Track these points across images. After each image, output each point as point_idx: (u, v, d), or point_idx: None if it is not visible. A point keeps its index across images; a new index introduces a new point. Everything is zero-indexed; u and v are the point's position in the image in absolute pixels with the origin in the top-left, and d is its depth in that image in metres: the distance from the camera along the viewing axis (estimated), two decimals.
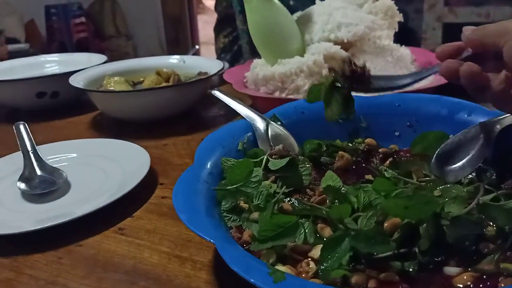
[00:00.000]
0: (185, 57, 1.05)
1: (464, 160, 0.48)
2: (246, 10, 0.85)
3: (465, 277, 0.36)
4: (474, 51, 0.44)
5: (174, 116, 0.89)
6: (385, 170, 0.51)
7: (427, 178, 0.48)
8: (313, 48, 0.84)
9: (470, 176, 0.47)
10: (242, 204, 0.47)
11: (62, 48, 3.21)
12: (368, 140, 0.58)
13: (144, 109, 0.85)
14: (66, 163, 0.70)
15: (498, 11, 1.76)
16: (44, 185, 0.62)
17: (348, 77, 0.52)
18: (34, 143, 0.70)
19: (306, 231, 0.41)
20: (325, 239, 0.41)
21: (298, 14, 0.95)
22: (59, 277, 0.46)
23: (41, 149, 0.70)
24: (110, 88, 0.91)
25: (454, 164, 0.48)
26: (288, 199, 0.47)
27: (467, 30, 0.44)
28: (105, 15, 3.41)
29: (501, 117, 0.48)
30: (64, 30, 3.27)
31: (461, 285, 0.35)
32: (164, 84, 0.90)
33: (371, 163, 0.56)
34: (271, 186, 0.48)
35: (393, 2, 0.93)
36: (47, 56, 1.26)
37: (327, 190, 0.47)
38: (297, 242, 0.41)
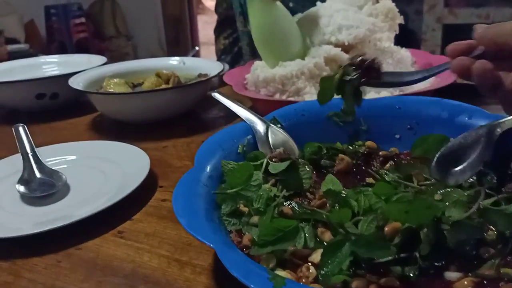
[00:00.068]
0: (185, 58, 1.05)
1: (464, 164, 0.47)
2: (249, 12, 0.85)
3: (465, 282, 0.35)
4: (486, 49, 0.44)
5: (174, 118, 0.89)
6: (386, 174, 0.50)
7: (428, 182, 0.48)
8: (314, 50, 0.84)
9: (471, 179, 0.46)
10: (242, 207, 0.46)
11: (62, 49, 3.21)
12: (368, 143, 0.58)
13: (143, 111, 0.85)
14: (65, 165, 0.70)
15: (498, 12, 1.76)
16: (43, 188, 0.62)
17: (358, 67, 0.52)
18: (34, 145, 0.69)
19: (306, 235, 0.41)
20: (325, 243, 0.41)
21: (298, 16, 0.95)
22: (58, 280, 0.46)
23: (40, 151, 0.70)
24: (110, 90, 0.90)
25: (455, 167, 0.48)
26: (288, 202, 0.47)
27: (479, 28, 0.44)
28: (105, 16, 3.41)
29: (501, 120, 0.48)
30: (64, 30, 3.27)
31: None
32: (164, 86, 0.90)
33: (372, 166, 0.55)
34: (271, 190, 0.48)
35: (393, 4, 0.93)
36: (46, 57, 1.26)
37: (327, 194, 0.47)
38: (297, 247, 0.41)
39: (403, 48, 0.92)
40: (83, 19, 3.32)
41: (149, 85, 0.91)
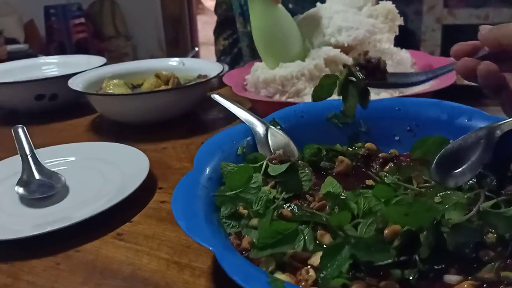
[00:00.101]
0: (184, 59, 1.05)
1: (464, 166, 0.47)
2: (250, 14, 0.85)
3: (465, 286, 0.35)
4: (490, 50, 0.44)
5: (173, 119, 0.89)
6: (385, 176, 0.50)
7: (427, 184, 0.48)
8: (314, 52, 0.84)
9: (471, 182, 0.46)
10: (241, 210, 0.46)
11: (62, 49, 3.21)
12: (368, 145, 0.58)
13: (143, 112, 0.85)
14: (64, 167, 0.69)
15: (497, 13, 1.76)
16: (43, 189, 0.61)
17: (363, 67, 0.51)
18: (33, 147, 0.69)
19: (306, 238, 0.41)
20: (325, 246, 0.41)
21: (298, 17, 0.94)
22: (56, 283, 0.46)
23: (39, 152, 0.69)
24: (109, 91, 0.90)
25: (454, 169, 0.48)
26: (288, 205, 0.47)
27: (483, 29, 0.44)
28: (104, 16, 3.41)
29: (501, 123, 0.48)
30: (63, 30, 3.27)
31: None
32: (163, 87, 0.90)
33: (371, 168, 0.55)
34: (270, 192, 0.48)
35: (393, 5, 0.93)
36: (46, 58, 1.26)
37: (327, 196, 0.47)
38: (296, 249, 0.40)
39: (403, 50, 0.92)
40: (82, 19, 3.32)
41: (148, 86, 0.91)
